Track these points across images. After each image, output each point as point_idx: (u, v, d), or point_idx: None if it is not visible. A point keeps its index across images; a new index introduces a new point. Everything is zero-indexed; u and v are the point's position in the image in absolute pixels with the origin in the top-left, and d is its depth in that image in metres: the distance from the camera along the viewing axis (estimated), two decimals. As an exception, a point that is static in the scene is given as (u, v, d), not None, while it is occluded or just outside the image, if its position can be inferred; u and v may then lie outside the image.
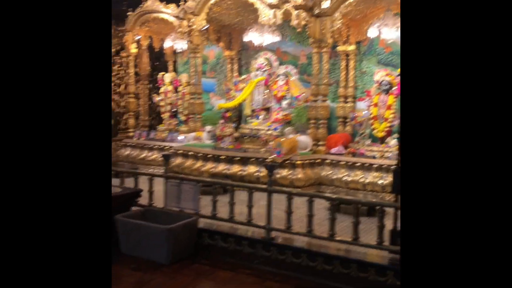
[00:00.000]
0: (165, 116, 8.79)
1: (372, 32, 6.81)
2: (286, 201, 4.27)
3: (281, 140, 6.52)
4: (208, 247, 4.60)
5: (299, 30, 6.71)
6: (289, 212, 4.25)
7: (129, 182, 5.43)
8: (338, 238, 4.07)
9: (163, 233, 4.27)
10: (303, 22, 6.55)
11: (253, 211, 4.56)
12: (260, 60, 7.80)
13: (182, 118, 8.66)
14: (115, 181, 5.48)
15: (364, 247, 3.96)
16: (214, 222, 4.77)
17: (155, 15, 8.26)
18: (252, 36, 7.70)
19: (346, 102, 7.33)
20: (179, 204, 4.84)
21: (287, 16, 6.59)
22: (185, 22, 7.46)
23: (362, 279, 3.78)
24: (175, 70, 9.34)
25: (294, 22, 6.53)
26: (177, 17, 7.75)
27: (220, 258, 4.46)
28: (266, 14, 6.63)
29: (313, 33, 6.60)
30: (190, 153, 7.27)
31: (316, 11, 6.50)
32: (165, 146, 8.05)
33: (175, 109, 8.74)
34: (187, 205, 4.80)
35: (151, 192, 5.09)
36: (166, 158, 5.03)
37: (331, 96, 7.30)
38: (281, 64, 7.78)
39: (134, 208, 5.01)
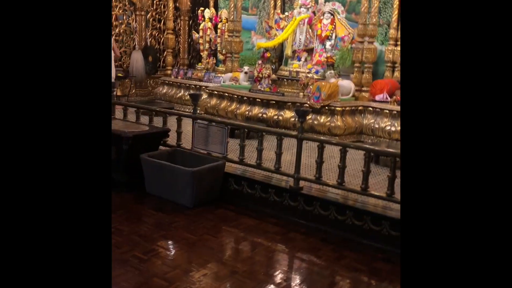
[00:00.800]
0: (204, 54, 8.49)
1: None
2: (318, 150, 3.95)
3: (321, 84, 6.10)
4: (234, 192, 4.41)
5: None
6: (319, 162, 3.94)
7: (159, 121, 5.27)
8: (371, 193, 3.75)
9: (188, 175, 4.11)
10: (353, -47, 5.88)
11: (285, 158, 4.30)
12: (305, -4, 7.23)
13: (221, 57, 8.33)
14: (144, 119, 5.34)
15: (399, 204, 3.62)
16: (241, 167, 4.54)
17: None
18: (298, -31, 7.08)
19: (397, 45, 6.71)
20: (207, 146, 4.64)
21: None
22: (225, -48, 6.93)
23: (394, 238, 3.48)
24: (216, 5, 8.89)
25: (343, -47, 5.88)
26: None
27: (245, 205, 4.28)
28: None
29: (364, -35, 5.95)
30: (225, 94, 7.00)
31: None
32: (201, 86, 7.82)
33: (214, 48, 8.40)
34: (214, 148, 4.59)
35: (179, 133, 4.90)
36: (194, 98, 4.77)
37: (380, 38, 6.70)
38: (327, 0, 7.17)
39: (161, 148, 4.87)
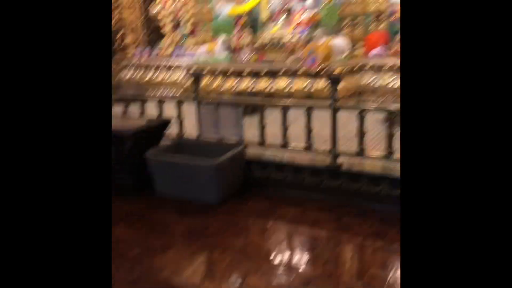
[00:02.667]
0: (167, 29, 7.67)
1: None
2: (359, 119, 3.49)
3: (314, 46, 5.58)
4: (259, 180, 3.89)
5: None
6: (361, 133, 3.49)
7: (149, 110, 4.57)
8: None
9: (210, 168, 3.53)
10: None
11: (293, 132, 3.79)
12: (275, -49, 6.58)
13: (187, 29, 7.55)
14: (133, 108, 4.64)
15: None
16: (259, 150, 4.00)
17: None
18: None
19: (379, -5, 6.24)
20: (218, 132, 4.05)
21: None
22: None
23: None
24: (171, -27, 8.01)
25: None
26: None
27: (276, 192, 3.78)
28: None
29: None
30: (205, 70, 6.32)
31: None
32: (172, 65, 7.06)
33: (177, 20, 7.58)
34: (227, 132, 4.01)
35: (180, 121, 4.26)
36: (196, 77, 4.13)
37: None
38: (300, -46, 6.56)
39: (163, 142, 4.23)
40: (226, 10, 7.05)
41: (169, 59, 7.21)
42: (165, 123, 4.14)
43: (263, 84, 5.87)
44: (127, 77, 7.63)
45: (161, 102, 4.35)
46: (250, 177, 3.92)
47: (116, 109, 4.75)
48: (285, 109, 3.77)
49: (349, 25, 5.90)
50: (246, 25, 6.80)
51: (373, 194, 3.44)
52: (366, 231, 3.12)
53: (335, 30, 6.08)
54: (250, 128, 4.01)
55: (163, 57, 7.33)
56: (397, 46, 5.75)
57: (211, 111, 4.01)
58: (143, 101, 4.58)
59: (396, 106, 3.52)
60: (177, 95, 5.53)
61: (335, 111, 3.54)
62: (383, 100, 5.59)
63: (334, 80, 3.49)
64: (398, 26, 5.99)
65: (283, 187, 3.78)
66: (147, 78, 7.38)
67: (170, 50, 7.32)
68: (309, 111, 3.68)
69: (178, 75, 6.87)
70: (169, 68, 7.10)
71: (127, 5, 7.97)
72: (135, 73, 7.56)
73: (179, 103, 4.22)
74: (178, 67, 6.84)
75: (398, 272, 2.64)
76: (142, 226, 3.37)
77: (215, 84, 6.20)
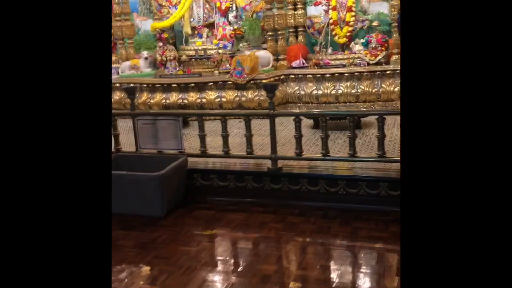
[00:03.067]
0: (85, 45, 7.44)
1: None
2: (295, 124, 3.71)
3: (241, 58, 5.79)
4: (202, 189, 3.96)
5: None
6: (298, 136, 3.71)
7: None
8: (361, 157, 3.64)
9: (155, 181, 3.54)
10: None
11: (234, 141, 3.96)
12: (195, -33, 6.74)
13: (107, 45, 7.39)
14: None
15: (391, 163, 3.59)
16: (201, 160, 4.09)
17: None
18: None
19: (296, 10, 6.63)
20: (157, 144, 4.06)
21: None
22: None
23: (394, 197, 3.46)
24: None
25: None
26: None
27: (220, 200, 3.87)
28: None
29: None
30: (131, 85, 6.25)
31: None
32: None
33: (96, 36, 7.41)
34: (167, 144, 4.04)
35: (116, 136, 4.20)
36: (131, 92, 4.11)
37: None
38: (220, -30, 6.77)
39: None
40: (147, 25, 7.06)
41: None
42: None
43: (194, 96, 5.95)
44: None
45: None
46: (193, 187, 3.97)
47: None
48: (224, 119, 3.89)
49: (271, 38, 6.18)
50: (169, 40, 6.85)
51: (313, 193, 3.67)
52: (310, 228, 3.33)
53: (258, 43, 6.35)
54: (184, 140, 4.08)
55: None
56: (315, 57, 6.14)
57: (149, 124, 4.01)
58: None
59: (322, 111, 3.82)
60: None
61: (273, 118, 3.73)
62: (307, 107, 5.94)
63: (271, 89, 3.68)
64: (315, 38, 6.42)
65: (227, 194, 3.87)
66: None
67: (90, 66, 7.11)
68: (247, 119, 3.83)
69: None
70: (91, 84, 6.90)
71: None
72: (53, 91, 7.23)
73: (114, 118, 4.16)
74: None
75: (345, 262, 2.87)
76: (88, 244, 3.28)
77: (143, 98, 6.16)
